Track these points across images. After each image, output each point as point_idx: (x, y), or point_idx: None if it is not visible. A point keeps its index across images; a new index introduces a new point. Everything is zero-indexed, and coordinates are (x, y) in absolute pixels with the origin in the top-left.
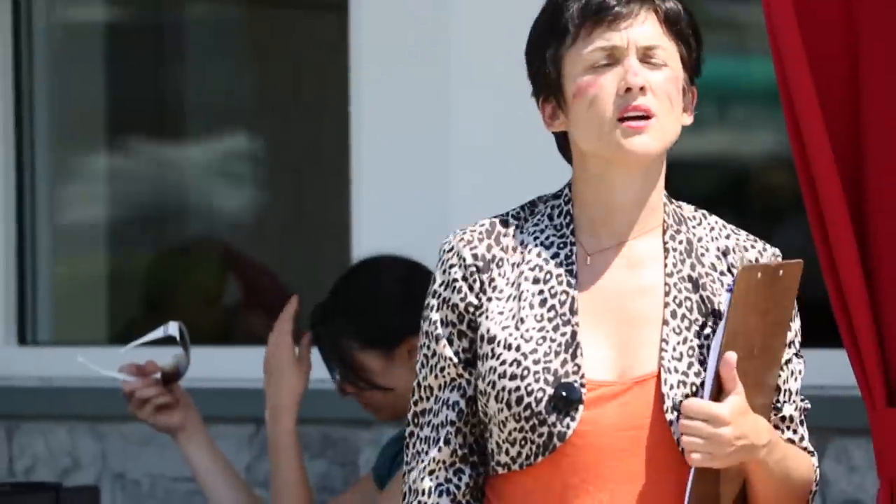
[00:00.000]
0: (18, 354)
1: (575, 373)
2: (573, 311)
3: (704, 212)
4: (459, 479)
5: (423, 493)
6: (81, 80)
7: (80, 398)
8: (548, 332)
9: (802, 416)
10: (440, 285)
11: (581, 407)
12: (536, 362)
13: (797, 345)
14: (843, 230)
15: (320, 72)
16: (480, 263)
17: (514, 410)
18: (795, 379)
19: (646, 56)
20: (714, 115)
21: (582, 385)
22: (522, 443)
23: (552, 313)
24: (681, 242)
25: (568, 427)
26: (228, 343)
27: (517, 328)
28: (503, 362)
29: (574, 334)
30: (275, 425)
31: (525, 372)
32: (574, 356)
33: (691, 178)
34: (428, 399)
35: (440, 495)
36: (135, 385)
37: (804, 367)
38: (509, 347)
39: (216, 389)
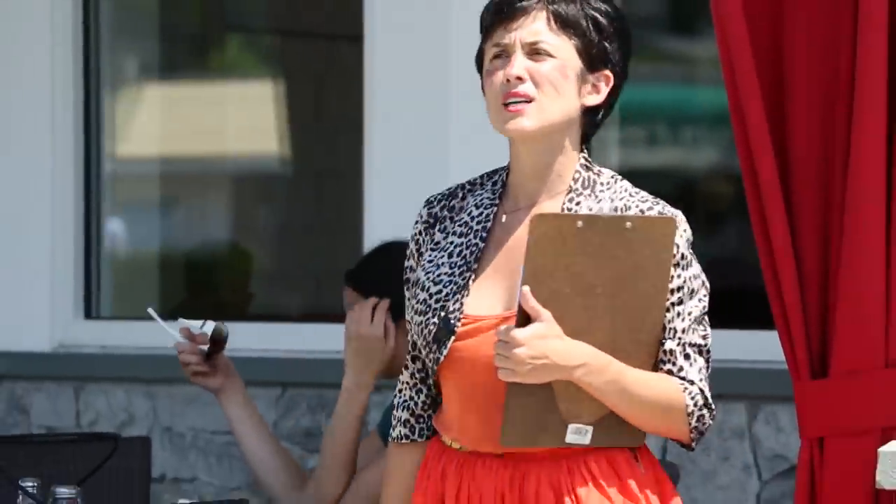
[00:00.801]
0: (84, 327)
1: (458, 310)
2: (475, 260)
3: (618, 178)
4: (418, 397)
5: (394, 408)
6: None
7: (136, 364)
8: (453, 276)
9: (688, 352)
10: (411, 238)
11: (452, 338)
12: (437, 301)
13: (688, 292)
14: (779, 227)
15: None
16: (431, 220)
17: (421, 342)
18: (682, 320)
19: (532, 50)
20: (667, 134)
21: (458, 320)
22: (430, 369)
23: (461, 261)
24: (577, 204)
25: (441, 354)
26: (264, 320)
27: (433, 273)
28: (418, 301)
29: (468, 279)
30: (351, 401)
31: (427, 309)
32: (462, 296)
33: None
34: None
35: (403, 409)
36: (183, 346)
37: (699, 317)
38: (423, 289)
39: (249, 358)
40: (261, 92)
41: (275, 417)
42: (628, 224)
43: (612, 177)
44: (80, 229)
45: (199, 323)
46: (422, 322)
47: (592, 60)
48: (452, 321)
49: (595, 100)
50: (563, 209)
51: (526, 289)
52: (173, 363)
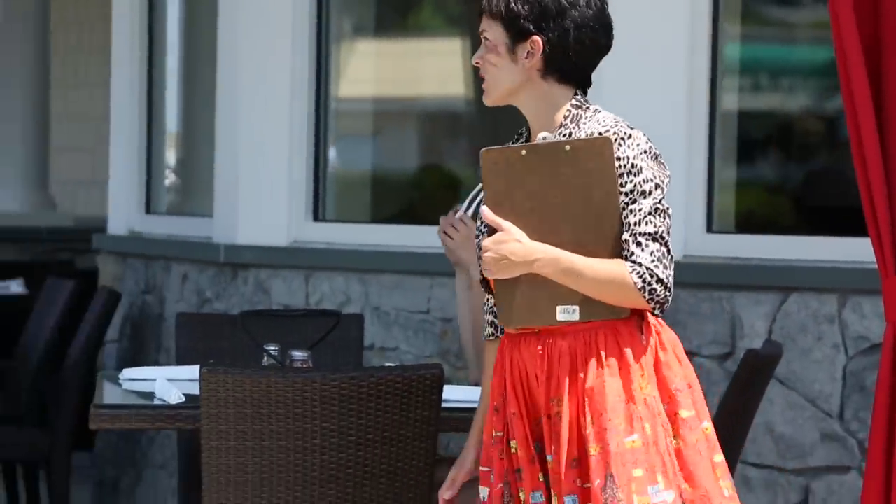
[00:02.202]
0: (313, 227)
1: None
2: None
3: (600, 111)
4: None
5: (484, 313)
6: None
7: (353, 257)
8: None
9: (640, 240)
10: None
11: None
12: (482, 223)
13: (639, 193)
14: (873, 151)
15: None
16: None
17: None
18: (635, 215)
19: (483, 38)
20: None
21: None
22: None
23: None
24: (561, 134)
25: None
26: None
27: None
28: (477, 227)
29: None
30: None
31: (479, 232)
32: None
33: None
34: None
35: (488, 313)
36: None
37: (652, 211)
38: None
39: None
40: (449, 46)
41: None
42: (567, 147)
43: (596, 111)
44: (312, 152)
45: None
46: (476, 243)
47: (516, 34)
48: (481, 234)
49: (532, 62)
50: (553, 137)
51: (484, 208)
52: (382, 257)
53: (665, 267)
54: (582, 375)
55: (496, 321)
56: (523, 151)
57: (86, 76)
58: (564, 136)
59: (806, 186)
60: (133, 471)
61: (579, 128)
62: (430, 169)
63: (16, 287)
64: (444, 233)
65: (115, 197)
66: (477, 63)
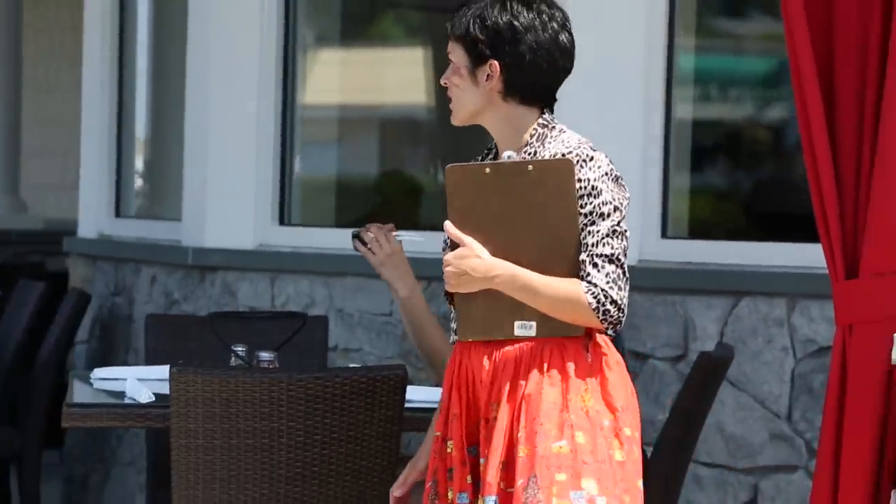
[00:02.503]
0: (279, 231)
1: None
2: None
3: (566, 131)
4: (450, 309)
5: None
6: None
7: (317, 261)
8: None
9: (596, 261)
10: None
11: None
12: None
13: (598, 215)
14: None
15: None
16: None
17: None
18: (593, 236)
19: (449, 60)
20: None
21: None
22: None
23: None
24: (526, 153)
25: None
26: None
27: None
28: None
29: None
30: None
31: (444, 245)
32: None
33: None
34: None
35: (452, 319)
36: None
37: (609, 233)
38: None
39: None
40: (411, 56)
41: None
42: (530, 167)
43: (561, 131)
44: (278, 157)
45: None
46: (442, 252)
47: (475, 58)
48: (445, 247)
49: (492, 84)
50: (518, 156)
51: (447, 223)
52: (346, 260)
53: (620, 288)
54: (523, 383)
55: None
56: (487, 170)
57: (57, 81)
58: (530, 154)
59: (756, 193)
60: (102, 468)
61: (544, 147)
62: (393, 175)
63: None
64: (367, 245)
65: (85, 200)
66: (444, 83)
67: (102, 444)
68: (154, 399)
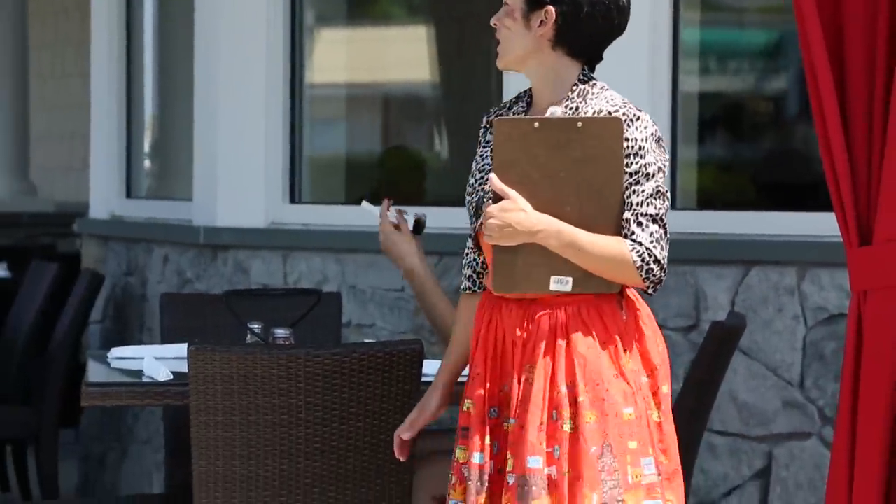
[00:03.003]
0: (290, 209)
1: (489, 190)
2: None
3: (606, 88)
4: (477, 256)
5: (462, 266)
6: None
7: (329, 237)
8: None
9: (641, 220)
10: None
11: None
12: (479, 183)
13: (644, 175)
14: (835, 125)
15: None
16: (486, 125)
17: (471, 214)
18: (637, 195)
19: (503, 1)
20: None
21: (488, 198)
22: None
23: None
24: (568, 108)
25: (477, 222)
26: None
27: (479, 163)
28: (469, 184)
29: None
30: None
31: (472, 189)
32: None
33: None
34: None
35: (467, 267)
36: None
37: (654, 193)
38: (472, 174)
39: None
40: (415, 34)
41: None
42: (579, 123)
43: (603, 88)
44: (287, 136)
45: (410, 214)
46: (469, 200)
47: (532, 2)
48: (485, 198)
49: (544, 31)
50: (564, 111)
51: (492, 175)
52: (357, 237)
53: (662, 248)
54: (562, 343)
55: (476, 278)
56: (536, 124)
57: (63, 66)
58: (571, 109)
59: (762, 164)
60: (118, 446)
61: (586, 103)
62: (399, 151)
63: (0, 271)
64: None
65: (96, 182)
66: (494, 24)
67: (119, 423)
68: (172, 377)
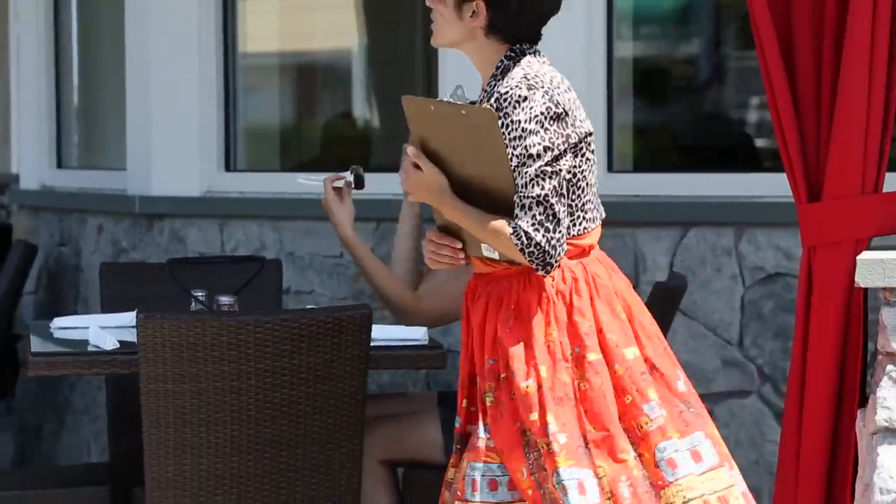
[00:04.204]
0: (225, 177)
1: None
2: None
3: (523, 65)
4: None
5: None
6: None
7: (265, 205)
8: None
9: (524, 202)
10: None
11: None
12: None
13: (527, 156)
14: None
15: None
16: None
17: None
18: (522, 178)
19: None
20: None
21: None
22: None
23: None
24: (490, 85)
25: None
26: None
27: None
28: None
29: None
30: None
31: None
32: None
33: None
34: None
35: None
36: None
37: (538, 175)
38: None
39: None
40: (342, 1)
41: (372, 244)
42: (463, 112)
43: (522, 67)
44: (221, 104)
45: (344, 175)
46: None
47: None
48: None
49: (476, 23)
50: (482, 89)
51: (407, 146)
52: (294, 204)
53: (547, 230)
54: (495, 315)
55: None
56: (431, 107)
57: None
58: (490, 87)
59: (694, 126)
60: (54, 417)
61: (503, 81)
62: (333, 119)
63: None
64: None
65: (25, 153)
66: (429, 4)
67: (55, 394)
68: (119, 346)
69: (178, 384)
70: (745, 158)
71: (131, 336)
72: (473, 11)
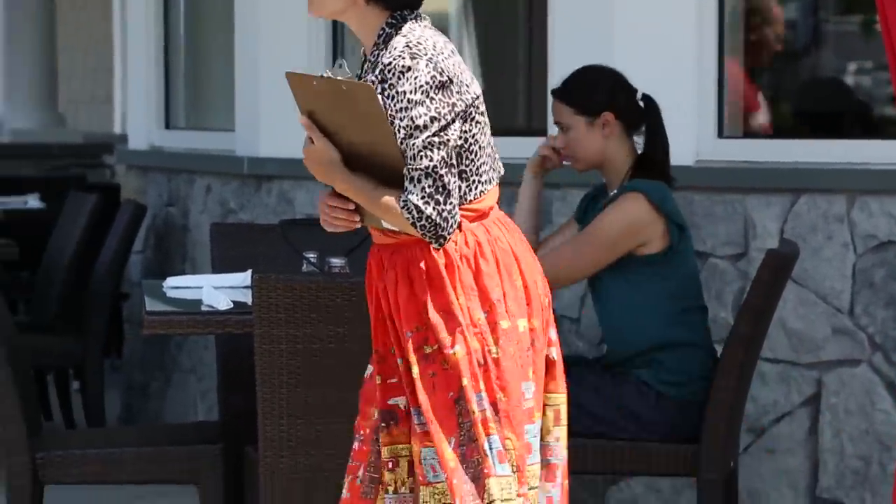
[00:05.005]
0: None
1: None
2: None
3: (405, 34)
4: None
5: None
6: None
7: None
8: None
9: (413, 175)
10: None
11: None
12: None
13: (413, 127)
14: None
15: None
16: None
17: None
18: (410, 150)
19: None
20: None
21: None
22: None
23: None
24: (373, 55)
25: None
26: None
27: None
28: None
29: None
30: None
31: None
32: None
33: None
34: None
35: None
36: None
37: (426, 146)
38: None
39: None
40: None
41: None
42: (343, 87)
43: (404, 35)
44: (329, 64)
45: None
46: None
47: None
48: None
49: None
50: (365, 57)
51: (303, 118)
52: None
53: (437, 203)
54: (400, 284)
55: None
56: (314, 82)
57: (85, 2)
58: (375, 56)
59: (808, 92)
60: (162, 375)
61: (386, 49)
62: None
63: (33, 201)
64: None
65: (134, 113)
66: None
67: (162, 353)
68: (232, 306)
69: (292, 345)
70: (855, 124)
71: (242, 297)
72: None
